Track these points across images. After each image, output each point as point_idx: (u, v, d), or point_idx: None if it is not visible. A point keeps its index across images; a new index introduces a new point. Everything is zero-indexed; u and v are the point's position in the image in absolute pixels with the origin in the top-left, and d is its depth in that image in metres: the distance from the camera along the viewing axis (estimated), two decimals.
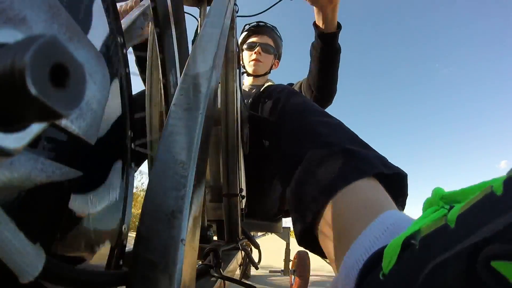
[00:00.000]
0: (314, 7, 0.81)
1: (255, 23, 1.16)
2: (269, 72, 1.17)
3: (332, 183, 0.37)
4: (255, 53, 1.11)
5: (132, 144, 0.28)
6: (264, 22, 1.16)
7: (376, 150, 0.44)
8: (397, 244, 0.22)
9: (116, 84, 0.25)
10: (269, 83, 1.09)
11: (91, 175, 0.22)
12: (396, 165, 0.40)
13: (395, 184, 0.39)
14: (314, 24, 0.85)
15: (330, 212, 0.36)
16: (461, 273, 0.16)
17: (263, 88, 1.04)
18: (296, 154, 0.47)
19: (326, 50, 0.85)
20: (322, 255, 0.41)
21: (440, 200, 0.22)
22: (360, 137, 0.47)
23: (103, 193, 0.23)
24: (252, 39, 1.15)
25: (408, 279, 0.19)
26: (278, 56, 1.20)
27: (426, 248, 0.19)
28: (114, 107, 0.25)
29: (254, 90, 1.10)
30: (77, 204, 0.20)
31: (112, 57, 0.25)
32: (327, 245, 0.36)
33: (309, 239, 0.42)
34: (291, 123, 0.56)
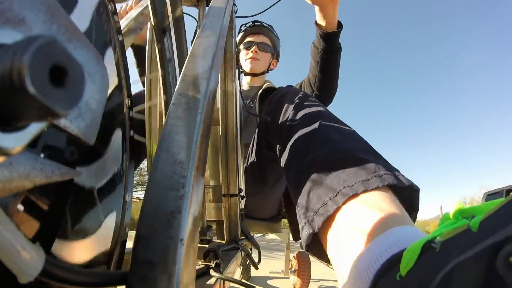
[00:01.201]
0: (315, 6, 0.81)
1: (251, 23, 1.16)
2: (267, 72, 1.17)
3: (343, 192, 0.36)
4: (251, 51, 1.11)
5: (131, 112, 0.28)
6: (260, 22, 1.16)
7: (388, 161, 0.42)
8: (418, 246, 0.22)
9: (110, 53, 0.25)
10: (268, 84, 1.09)
11: (92, 146, 0.22)
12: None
13: (407, 197, 0.39)
14: (316, 23, 0.85)
15: (339, 220, 0.36)
16: (481, 270, 0.17)
17: (262, 88, 1.03)
18: (306, 158, 0.46)
19: (327, 49, 0.85)
20: (328, 261, 0.41)
21: (459, 215, 0.23)
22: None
23: (105, 164, 0.23)
24: (249, 39, 1.15)
25: (426, 279, 0.20)
26: (276, 56, 1.20)
27: (447, 250, 0.20)
28: (109, 77, 0.25)
29: (252, 90, 1.10)
30: (82, 177, 0.20)
31: (104, 25, 0.24)
32: (333, 251, 0.36)
33: (316, 245, 0.41)
34: (302, 127, 0.55)
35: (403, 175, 0.39)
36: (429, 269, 0.20)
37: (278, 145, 0.64)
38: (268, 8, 0.91)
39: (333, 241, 0.36)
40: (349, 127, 0.53)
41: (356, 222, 0.33)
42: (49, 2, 0.13)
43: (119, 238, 0.26)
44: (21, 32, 0.12)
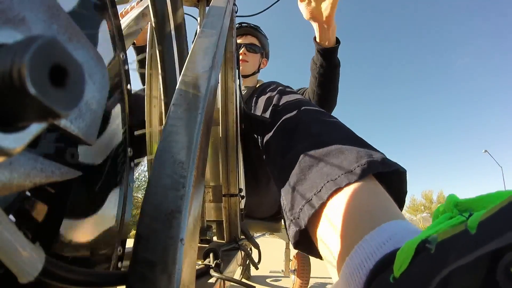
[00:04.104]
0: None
1: (238, 25, 1.17)
2: (258, 72, 1.18)
3: (327, 186, 0.36)
4: (240, 53, 1.11)
5: (132, 163, 0.28)
6: (247, 23, 1.17)
7: (373, 146, 0.42)
8: (411, 247, 0.21)
9: (118, 108, 0.26)
10: (260, 85, 1.10)
11: (88, 201, 0.22)
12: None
13: (394, 181, 0.38)
14: (314, 38, 0.86)
15: (326, 215, 0.36)
16: (479, 278, 0.16)
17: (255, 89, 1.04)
18: (289, 153, 0.46)
19: (325, 64, 0.86)
20: (319, 256, 0.41)
21: (454, 207, 0.22)
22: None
23: (98, 220, 0.23)
24: (237, 41, 1.15)
25: (421, 283, 0.19)
26: (265, 55, 1.21)
27: (443, 252, 0.19)
28: (115, 133, 0.25)
29: (246, 91, 1.10)
30: (70, 229, 0.20)
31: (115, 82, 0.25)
32: (324, 248, 0.36)
33: (304, 241, 0.41)
34: (284, 121, 0.55)
35: (387, 160, 0.38)
36: (425, 273, 0.19)
37: (260, 137, 0.64)
38: (268, 7, 0.91)
39: (322, 237, 0.36)
40: (330, 115, 0.53)
41: (344, 217, 0.33)
42: (49, 2, 0.13)
43: (119, 238, 0.26)
44: (21, 32, 0.12)
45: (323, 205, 0.36)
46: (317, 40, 0.84)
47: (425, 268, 0.20)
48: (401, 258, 0.22)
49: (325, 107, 0.97)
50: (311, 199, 0.37)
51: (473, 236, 0.18)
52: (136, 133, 0.29)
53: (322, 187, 0.37)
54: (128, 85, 0.27)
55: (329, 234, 0.35)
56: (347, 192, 0.35)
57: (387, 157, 0.39)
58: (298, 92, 1.10)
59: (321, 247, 0.37)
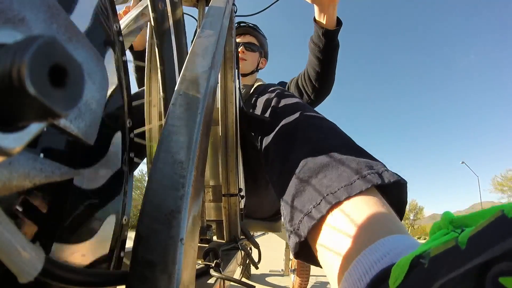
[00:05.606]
0: (314, 4, 0.82)
1: (236, 24, 1.17)
2: (257, 71, 1.18)
3: (326, 199, 0.36)
4: (239, 52, 1.11)
5: (132, 133, 0.27)
6: (245, 22, 1.16)
7: (372, 155, 0.42)
8: (406, 262, 0.22)
9: (110, 53, 0.25)
10: (259, 83, 1.10)
11: (93, 148, 0.21)
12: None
13: (393, 191, 0.38)
14: (314, 19, 0.86)
15: (326, 228, 0.36)
16: None
17: (254, 87, 1.04)
18: (288, 159, 0.46)
19: (326, 46, 0.86)
20: (319, 265, 0.40)
21: (449, 224, 0.22)
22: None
23: (104, 165, 0.23)
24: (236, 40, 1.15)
25: None
26: (264, 54, 1.20)
27: (435, 267, 0.20)
28: (109, 78, 0.24)
29: (244, 89, 1.10)
30: (81, 179, 0.20)
31: (103, 23, 0.24)
32: (324, 259, 0.36)
33: (304, 252, 0.41)
34: (283, 125, 0.55)
35: (387, 170, 0.38)
36: (418, 286, 0.20)
37: (258, 139, 0.63)
38: (267, 7, 0.91)
39: (322, 250, 0.36)
40: (328, 121, 0.52)
41: (344, 230, 0.33)
42: (49, 1, 0.13)
43: (119, 238, 0.26)
44: (21, 32, 0.12)
45: (322, 218, 0.36)
46: (320, 20, 0.84)
47: (419, 282, 0.20)
48: (396, 273, 0.22)
49: (327, 85, 0.99)
50: (310, 212, 0.37)
51: (463, 251, 0.19)
52: (136, 131, 0.29)
53: (321, 200, 0.36)
54: (124, 57, 0.27)
55: (328, 247, 0.35)
56: (346, 206, 0.35)
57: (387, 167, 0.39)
58: (292, 80, 1.11)
59: (321, 259, 0.37)
